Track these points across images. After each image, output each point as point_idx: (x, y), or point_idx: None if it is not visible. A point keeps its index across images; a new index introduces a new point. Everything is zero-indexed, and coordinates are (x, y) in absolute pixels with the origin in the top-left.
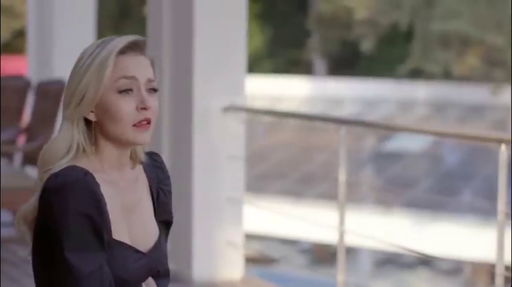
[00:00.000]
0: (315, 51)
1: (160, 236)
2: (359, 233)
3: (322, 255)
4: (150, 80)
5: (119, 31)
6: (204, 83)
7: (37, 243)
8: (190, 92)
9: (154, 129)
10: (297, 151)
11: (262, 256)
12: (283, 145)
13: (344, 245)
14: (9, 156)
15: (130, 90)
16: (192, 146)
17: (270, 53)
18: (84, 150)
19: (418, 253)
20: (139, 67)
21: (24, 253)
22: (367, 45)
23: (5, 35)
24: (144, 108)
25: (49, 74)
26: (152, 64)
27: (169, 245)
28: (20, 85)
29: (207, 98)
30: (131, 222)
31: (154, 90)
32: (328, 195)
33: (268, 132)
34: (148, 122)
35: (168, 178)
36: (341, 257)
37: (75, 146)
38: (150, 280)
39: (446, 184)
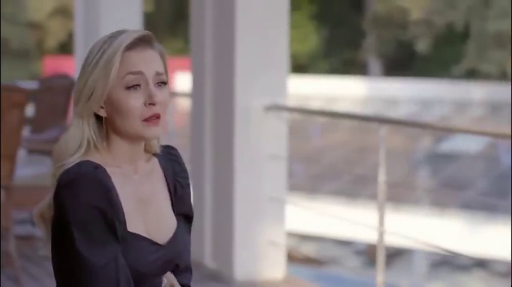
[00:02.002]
0: (370, 51)
1: (178, 228)
2: (399, 233)
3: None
4: (158, 74)
5: (174, 31)
6: (246, 82)
7: (54, 239)
8: (232, 91)
9: (196, 128)
10: (352, 151)
11: (305, 256)
12: (338, 145)
13: (383, 246)
14: None
15: (138, 85)
16: (234, 145)
17: (325, 54)
18: (95, 146)
19: (464, 255)
20: (146, 62)
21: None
22: (422, 46)
23: (62, 36)
24: (153, 104)
25: None
26: (162, 57)
27: (211, 245)
28: (66, 84)
29: (248, 98)
30: (147, 214)
31: (164, 83)
32: None
33: (324, 133)
34: (158, 117)
35: (184, 170)
36: (380, 258)
37: (85, 142)
38: (170, 274)
39: (502, 185)
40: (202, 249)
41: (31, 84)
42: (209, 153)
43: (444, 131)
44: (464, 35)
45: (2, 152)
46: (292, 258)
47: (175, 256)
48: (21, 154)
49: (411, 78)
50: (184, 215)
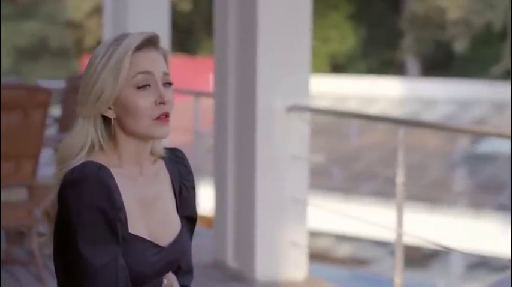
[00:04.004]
0: (408, 51)
1: (182, 230)
2: (417, 235)
3: (413, 257)
4: (165, 74)
5: (211, 31)
6: (268, 83)
7: (56, 238)
8: (254, 92)
9: (218, 128)
10: (389, 151)
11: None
12: (376, 145)
13: (402, 246)
14: None
15: (148, 85)
16: (256, 145)
17: (363, 54)
18: (101, 146)
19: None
20: (154, 62)
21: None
22: (460, 46)
23: (100, 35)
24: (163, 103)
25: None
26: (165, 58)
27: (233, 245)
28: None
29: (270, 98)
30: (151, 216)
31: (170, 84)
32: (416, 197)
33: (362, 133)
34: (167, 116)
35: (190, 173)
36: (399, 258)
37: (89, 143)
38: (171, 275)
39: None
40: (225, 249)
41: (60, 84)
42: (231, 153)
43: (464, 133)
44: (503, 35)
45: (25, 151)
46: (316, 257)
47: (178, 258)
48: (48, 153)
49: (449, 79)
50: (188, 218)
